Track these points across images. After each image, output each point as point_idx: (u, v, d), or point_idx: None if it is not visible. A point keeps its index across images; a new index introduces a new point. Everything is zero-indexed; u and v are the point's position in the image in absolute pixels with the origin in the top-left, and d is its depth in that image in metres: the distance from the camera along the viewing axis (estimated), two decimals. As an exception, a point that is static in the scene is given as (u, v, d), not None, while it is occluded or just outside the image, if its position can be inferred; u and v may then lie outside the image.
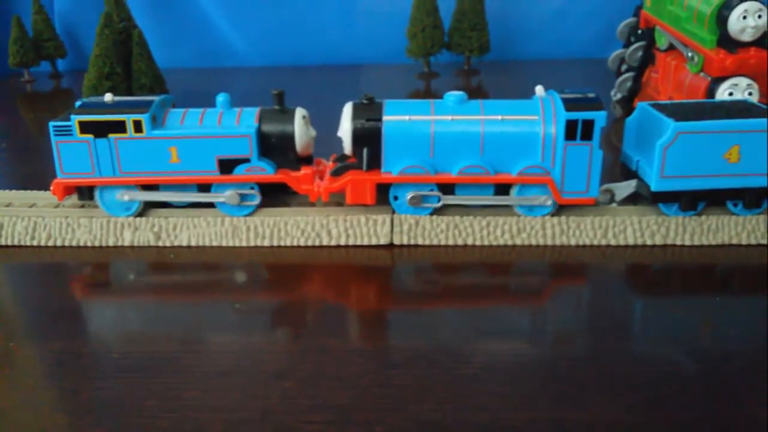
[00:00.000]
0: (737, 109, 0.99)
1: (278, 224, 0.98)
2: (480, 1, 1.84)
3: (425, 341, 0.77)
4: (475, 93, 1.77)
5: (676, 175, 0.95)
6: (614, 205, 1.01)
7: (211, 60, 2.04)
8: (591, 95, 0.96)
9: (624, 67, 1.58)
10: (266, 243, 0.98)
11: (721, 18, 1.22)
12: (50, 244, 1.00)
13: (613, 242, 0.97)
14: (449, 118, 0.96)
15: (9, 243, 1.00)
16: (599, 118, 0.93)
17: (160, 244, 0.99)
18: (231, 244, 0.99)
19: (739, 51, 1.22)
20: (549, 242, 0.97)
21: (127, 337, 0.80)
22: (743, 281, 0.91)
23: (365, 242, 0.98)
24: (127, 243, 0.99)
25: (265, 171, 0.97)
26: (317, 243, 0.98)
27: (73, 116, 0.95)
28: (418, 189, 0.97)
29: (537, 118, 0.95)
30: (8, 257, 0.99)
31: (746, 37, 1.21)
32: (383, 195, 0.99)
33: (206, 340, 0.79)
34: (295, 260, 0.96)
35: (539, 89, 0.99)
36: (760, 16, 1.19)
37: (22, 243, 1.00)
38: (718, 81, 1.24)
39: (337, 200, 1.02)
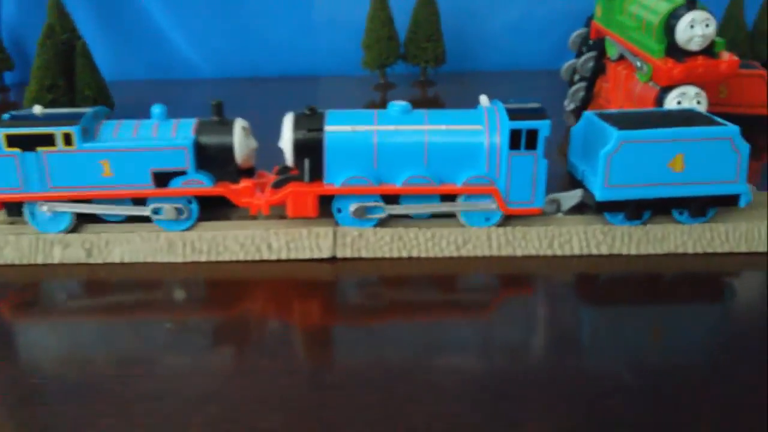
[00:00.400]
0: (682, 118, 0.98)
1: (216, 238, 0.95)
2: (435, 13, 1.83)
3: (365, 359, 0.75)
4: (432, 104, 1.76)
5: (621, 185, 0.93)
6: (560, 214, 1.00)
7: (164, 72, 2.00)
8: (535, 105, 0.95)
9: (576, 77, 1.58)
10: (204, 258, 0.95)
11: (668, 27, 1.22)
12: None
13: (559, 252, 0.95)
14: (392, 128, 0.94)
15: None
16: (543, 127, 0.92)
17: (92, 261, 0.95)
18: (167, 260, 0.95)
19: (687, 60, 1.22)
20: (495, 253, 0.95)
21: (49, 360, 0.76)
22: (689, 290, 0.90)
23: (307, 256, 0.95)
24: (57, 260, 0.95)
25: (202, 184, 0.94)
26: (257, 257, 0.95)
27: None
28: (361, 200, 0.95)
29: (481, 128, 0.94)
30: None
31: (694, 46, 1.21)
32: (326, 207, 0.96)
33: (132, 363, 0.75)
34: (234, 276, 0.92)
35: (483, 99, 0.97)
36: (707, 25, 1.19)
37: None
38: (666, 90, 1.23)
39: (280, 213, 0.99)
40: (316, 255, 0.95)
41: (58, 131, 0.90)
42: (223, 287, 0.91)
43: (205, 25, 1.98)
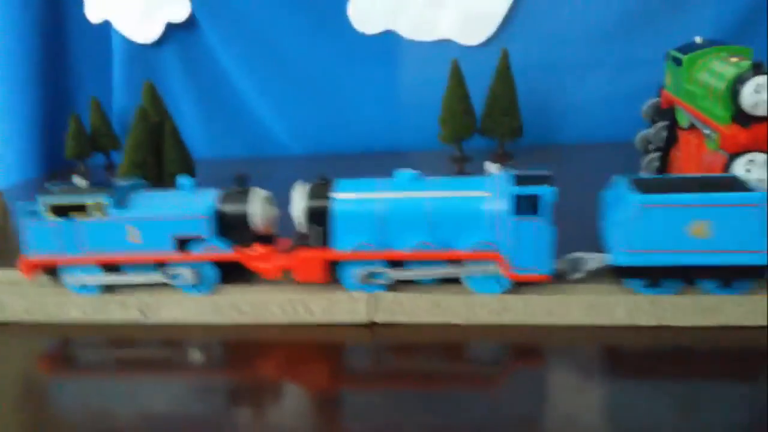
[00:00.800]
0: (719, 184, 0.92)
1: (258, 301, 0.98)
2: (511, 87, 1.83)
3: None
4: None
5: (640, 250, 0.88)
6: (578, 275, 0.95)
7: (256, 150, 2.12)
8: (544, 172, 0.93)
9: (651, 147, 1.52)
10: (247, 320, 0.98)
11: (734, 93, 1.16)
12: (46, 321, 1.03)
13: (602, 322, 0.91)
14: (398, 195, 0.94)
15: (6, 320, 1.04)
16: (546, 193, 0.89)
17: (144, 321, 1.00)
18: (212, 321, 0.99)
19: (753, 126, 1.15)
20: (533, 321, 0.92)
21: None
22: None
23: (345, 320, 0.95)
24: (116, 321, 1.01)
25: (220, 250, 0.99)
26: (296, 320, 0.97)
27: (40, 198, 1.00)
28: (367, 266, 0.95)
29: (485, 194, 0.93)
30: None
31: (760, 111, 1.14)
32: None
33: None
34: (267, 338, 0.95)
35: (490, 166, 0.97)
36: (774, 90, 1.12)
37: (18, 320, 1.03)
38: (734, 157, 1.16)
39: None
40: (352, 319, 0.95)
41: (91, 201, 0.99)
42: (256, 349, 0.94)
43: (295, 105, 2.09)
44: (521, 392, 0.80)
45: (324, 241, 0.96)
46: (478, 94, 1.85)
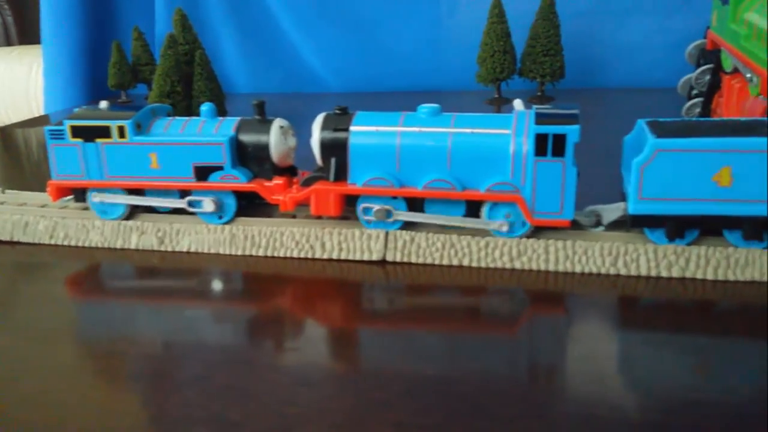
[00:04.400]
0: (744, 128, 0.87)
1: (274, 234, 0.99)
2: (555, 26, 1.77)
3: (352, 362, 0.74)
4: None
5: (658, 198, 0.85)
6: (601, 228, 0.93)
7: (295, 86, 2.11)
8: (572, 111, 0.88)
9: (693, 92, 1.45)
10: (261, 252, 0.98)
11: (779, 34, 1.09)
12: (66, 243, 1.06)
13: (623, 272, 0.87)
14: (416, 129, 0.92)
15: (31, 240, 1.07)
16: (572, 132, 0.86)
17: (163, 248, 1.02)
18: (229, 251, 0.99)
19: (798, 70, 1.09)
20: (551, 268, 0.89)
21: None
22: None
23: (358, 257, 0.95)
24: (133, 246, 1.03)
25: (238, 179, 0.99)
26: (310, 255, 0.97)
27: (65, 121, 1.01)
28: (382, 203, 0.95)
29: (508, 132, 0.90)
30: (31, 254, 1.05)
31: (807, 54, 1.07)
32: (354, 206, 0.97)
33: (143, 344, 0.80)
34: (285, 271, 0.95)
35: (518, 103, 0.93)
36: (820, 31, 1.05)
37: (42, 241, 1.07)
38: (776, 104, 1.10)
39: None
40: (366, 257, 0.95)
41: (113, 124, 0.99)
42: (266, 282, 0.94)
43: (334, 41, 2.06)
44: (537, 339, 0.78)
45: (339, 174, 0.95)
46: (520, 34, 1.80)
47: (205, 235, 1.01)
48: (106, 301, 0.92)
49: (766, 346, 0.72)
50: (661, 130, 0.86)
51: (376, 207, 0.94)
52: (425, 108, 0.94)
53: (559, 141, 0.86)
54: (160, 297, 0.92)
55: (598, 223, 0.93)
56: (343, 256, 0.95)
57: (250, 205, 1.03)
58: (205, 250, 1.00)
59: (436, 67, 2.02)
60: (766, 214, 0.83)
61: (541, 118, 0.87)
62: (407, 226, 0.96)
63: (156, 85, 1.59)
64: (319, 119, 0.96)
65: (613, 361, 0.73)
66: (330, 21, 2.04)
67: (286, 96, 2.09)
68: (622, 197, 0.93)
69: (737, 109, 1.26)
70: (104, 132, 1.00)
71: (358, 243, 0.95)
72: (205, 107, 1.03)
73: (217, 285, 0.95)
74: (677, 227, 0.86)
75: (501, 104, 1.82)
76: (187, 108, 1.61)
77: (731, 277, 0.85)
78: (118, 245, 1.04)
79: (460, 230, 0.94)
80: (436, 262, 0.93)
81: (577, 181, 0.88)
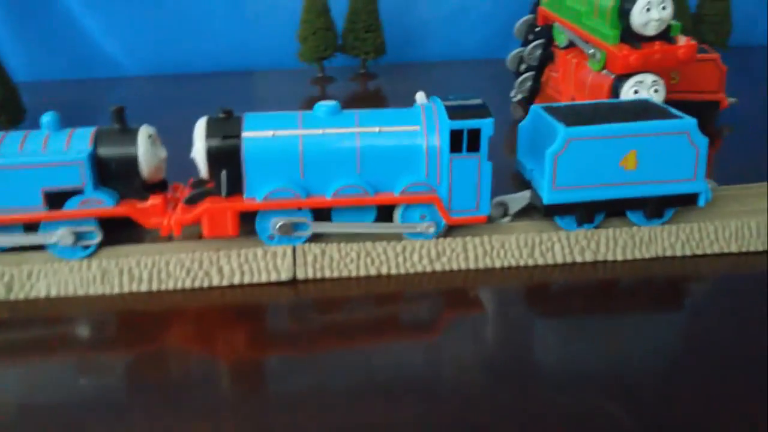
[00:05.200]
0: (636, 111, 0.89)
1: (158, 264, 0.83)
2: (373, 1, 1.72)
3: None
4: (374, 97, 1.65)
5: (570, 186, 0.84)
6: (508, 219, 0.91)
7: (84, 71, 1.86)
8: (477, 101, 0.85)
9: (523, 67, 1.49)
10: (144, 288, 0.82)
11: (623, 11, 1.14)
12: None
13: (540, 261, 0.87)
14: (320, 132, 0.83)
15: None
16: (486, 126, 0.82)
17: (12, 297, 0.82)
18: (101, 292, 0.83)
19: (643, 46, 1.14)
20: (472, 266, 0.86)
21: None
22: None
23: (264, 279, 0.83)
24: None
25: (102, 203, 0.82)
26: (206, 284, 0.83)
27: None
28: (287, 216, 0.84)
29: (418, 128, 0.83)
30: None
31: (650, 30, 1.13)
32: (249, 224, 0.85)
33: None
34: (177, 306, 0.81)
35: (420, 96, 0.87)
36: (664, 8, 1.11)
37: None
38: (622, 79, 1.16)
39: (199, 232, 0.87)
40: (274, 278, 0.84)
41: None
42: (160, 319, 0.79)
43: (128, 18, 1.84)
44: (459, 339, 0.76)
45: (233, 188, 0.82)
46: (338, 9, 1.73)
47: (66, 274, 0.83)
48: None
49: (664, 315, 0.78)
50: (565, 118, 0.85)
51: (281, 221, 0.83)
52: (323, 106, 0.85)
53: (474, 136, 0.82)
54: (8, 355, 0.74)
55: (505, 214, 0.91)
56: (246, 281, 0.83)
57: (119, 232, 0.86)
58: (70, 293, 0.82)
59: (249, 46, 1.88)
60: (667, 192, 0.86)
61: (452, 112, 0.82)
62: (315, 238, 0.86)
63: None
64: (201, 125, 0.82)
65: (531, 351, 0.74)
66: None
67: (73, 82, 1.83)
68: (523, 185, 0.92)
69: (575, 82, 1.31)
70: None
71: (262, 263, 0.84)
72: (47, 117, 0.83)
73: (83, 332, 0.79)
74: (587, 213, 0.86)
75: (326, 82, 1.75)
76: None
77: (638, 256, 0.88)
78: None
79: (373, 237, 0.87)
80: (353, 273, 0.85)
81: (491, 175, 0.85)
